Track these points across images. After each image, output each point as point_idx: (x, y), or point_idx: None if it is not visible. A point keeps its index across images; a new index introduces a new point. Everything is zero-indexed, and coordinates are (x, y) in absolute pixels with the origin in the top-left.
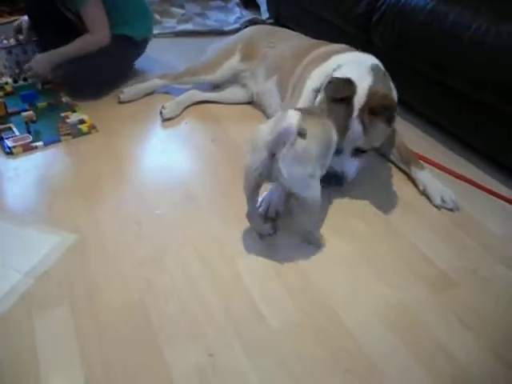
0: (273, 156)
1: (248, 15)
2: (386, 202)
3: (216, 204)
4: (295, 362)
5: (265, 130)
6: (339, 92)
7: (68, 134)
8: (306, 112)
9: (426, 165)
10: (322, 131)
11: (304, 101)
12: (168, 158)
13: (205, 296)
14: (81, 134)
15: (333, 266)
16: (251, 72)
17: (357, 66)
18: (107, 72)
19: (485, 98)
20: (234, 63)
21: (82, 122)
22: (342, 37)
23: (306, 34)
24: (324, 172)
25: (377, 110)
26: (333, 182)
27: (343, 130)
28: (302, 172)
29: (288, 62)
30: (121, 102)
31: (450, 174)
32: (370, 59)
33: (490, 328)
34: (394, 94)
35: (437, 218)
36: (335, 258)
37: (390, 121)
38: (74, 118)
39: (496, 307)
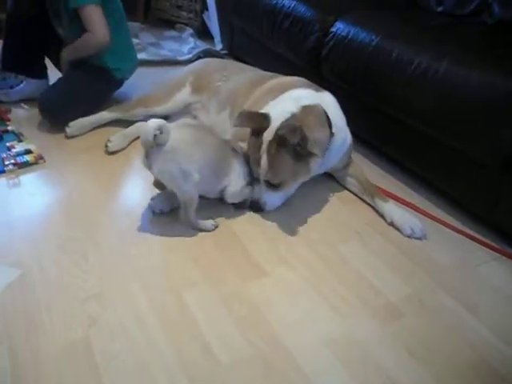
0: (147, 155)
1: (202, 46)
2: (333, 230)
3: (163, 236)
4: None
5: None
6: (251, 123)
7: (13, 165)
8: (181, 124)
9: None
10: (194, 141)
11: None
12: (116, 190)
13: (152, 332)
14: (27, 164)
15: (280, 295)
16: (202, 104)
17: (290, 102)
18: (84, 101)
19: (425, 131)
20: (185, 95)
21: (28, 152)
22: (295, 70)
23: (259, 67)
24: (217, 187)
25: (282, 140)
26: (252, 206)
27: (257, 161)
28: (169, 169)
29: (242, 93)
30: (67, 137)
31: (397, 200)
32: (312, 97)
33: (436, 357)
34: (324, 134)
35: (384, 246)
36: (283, 288)
37: (298, 155)
38: (20, 147)
39: (441, 336)
